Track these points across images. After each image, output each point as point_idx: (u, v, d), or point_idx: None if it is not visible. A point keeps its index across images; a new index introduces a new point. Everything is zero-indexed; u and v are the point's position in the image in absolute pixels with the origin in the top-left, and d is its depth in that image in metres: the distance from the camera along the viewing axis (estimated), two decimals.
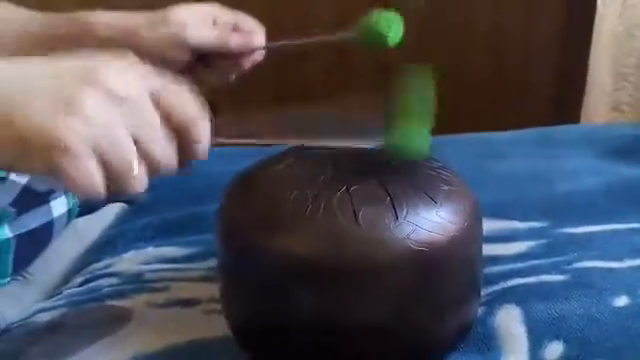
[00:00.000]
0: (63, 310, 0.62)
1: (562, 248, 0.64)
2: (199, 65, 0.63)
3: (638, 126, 0.91)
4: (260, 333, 0.50)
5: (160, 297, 0.61)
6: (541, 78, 1.64)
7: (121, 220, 0.83)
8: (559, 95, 1.65)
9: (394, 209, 0.46)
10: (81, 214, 0.85)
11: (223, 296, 0.53)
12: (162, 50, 0.59)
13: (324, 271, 0.45)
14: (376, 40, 0.55)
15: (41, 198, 0.76)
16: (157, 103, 0.39)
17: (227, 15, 0.63)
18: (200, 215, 0.75)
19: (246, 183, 0.52)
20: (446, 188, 0.49)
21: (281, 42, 0.62)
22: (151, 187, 0.91)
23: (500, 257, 0.64)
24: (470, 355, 0.50)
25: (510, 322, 0.54)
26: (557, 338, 0.50)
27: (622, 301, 0.54)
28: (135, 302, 0.61)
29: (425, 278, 0.46)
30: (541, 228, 0.68)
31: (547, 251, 0.64)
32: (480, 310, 0.56)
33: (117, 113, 0.37)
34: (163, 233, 0.75)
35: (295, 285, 0.46)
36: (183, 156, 0.41)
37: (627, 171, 0.78)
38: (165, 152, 0.39)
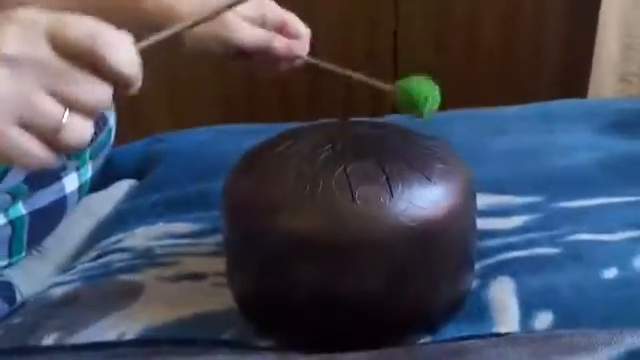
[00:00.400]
0: (77, 284, 0.64)
1: (557, 222, 0.66)
2: (242, 55, 0.62)
3: (636, 101, 0.92)
4: (264, 306, 0.52)
5: (169, 271, 0.64)
6: (550, 49, 1.64)
7: (132, 196, 0.86)
8: (567, 66, 1.65)
9: (389, 187, 0.48)
10: (92, 190, 0.88)
11: (229, 270, 0.56)
12: (206, 44, 0.59)
13: (323, 247, 0.47)
14: (410, 109, 0.55)
15: (53, 175, 0.79)
16: (56, 47, 0.36)
17: (276, 14, 0.62)
18: (207, 192, 0.78)
19: (249, 163, 0.54)
20: (441, 166, 0.51)
21: (321, 62, 0.61)
22: (160, 164, 0.94)
23: (496, 231, 0.66)
24: (463, 325, 0.53)
25: (503, 294, 0.56)
26: (547, 308, 0.53)
27: (611, 273, 0.56)
28: (146, 276, 0.63)
29: (419, 252, 0.48)
30: (537, 203, 0.70)
31: (542, 225, 0.66)
32: (475, 282, 0.58)
33: (23, 77, 0.36)
34: (172, 209, 0.77)
35: (296, 260, 0.48)
36: (115, 84, 0.38)
37: (624, 145, 0.79)
38: (91, 90, 0.37)
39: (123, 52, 0.37)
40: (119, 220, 0.79)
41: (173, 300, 0.59)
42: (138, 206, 0.80)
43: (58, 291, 0.64)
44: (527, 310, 0.53)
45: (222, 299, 0.57)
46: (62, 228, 0.82)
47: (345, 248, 0.47)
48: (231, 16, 0.58)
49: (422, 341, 0.51)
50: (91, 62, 0.37)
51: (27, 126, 0.36)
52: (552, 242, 0.63)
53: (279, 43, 0.61)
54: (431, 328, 0.53)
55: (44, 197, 0.78)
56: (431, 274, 0.50)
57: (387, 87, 0.55)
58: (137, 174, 0.93)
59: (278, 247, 0.49)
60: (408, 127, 0.90)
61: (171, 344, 0.51)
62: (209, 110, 1.63)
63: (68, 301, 0.61)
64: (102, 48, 0.36)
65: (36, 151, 0.37)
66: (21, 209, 0.75)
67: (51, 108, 0.36)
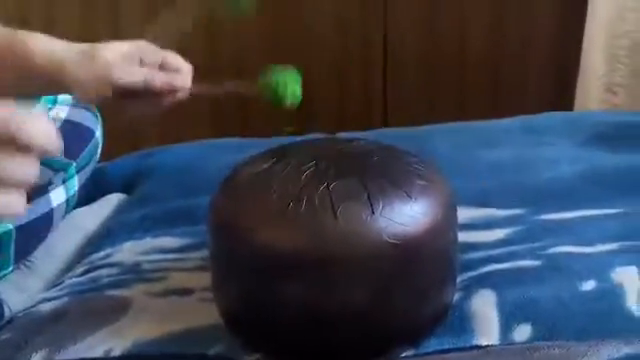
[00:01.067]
0: (65, 299, 0.65)
1: (538, 234, 0.67)
2: (127, 97, 0.63)
3: (618, 114, 0.94)
4: (249, 321, 0.53)
5: (157, 286, 0.65)
6: (537, 58, 1.66)
7: (120, 211, 0.86)
8: (554, 76, 1.67)
9: (371, 205, 0.49)
10: (81, 203, 0.89)
11: (214, 286, 0.57)
12: (88, 87, 0.61)
13: (306, 263, 0.48)
14: (274, 101, 0.58)
15: (40, 189, 0.80)
16: None
17: (154, 54, 0.64)
18: (195, 207, 0.79)
19: (234, 181, 0.55)
20: (422, 183, 0.53)
21: (200, 88, 0.65)
22: (149, 179, 0.95)
23: (479, 244, 0.67)
24: (445, 338, 0.54)
25: (484, 306, 0.57)
26: (526, 321, 0.54)
27: (589, 285, 0.57)
28: (134, 292, 0.64)
29: (400, 267, 0.49)
30: (519, 215, 0.71)
31: (524, 237, 0.67)
32: (457, 295, 0.59)
33: None
34: (160, 224, 0.78)
35: (279, 277, 0.50)
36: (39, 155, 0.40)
37: (605, 158, 0.81)
38: (18, 166, 0.39)
39: (36, 126, 0.39)
40: (107, 235, 0.79)
41: (161, 315, 0.60)
42: (126, 221, 0.81)
43: (47, 307, 0.65)
44: (507, 322, 0.54)
45: (209, 314, 0.58)
46: (50, 242, 0.82)
47: (327, 265, 0.48)
48: (109, 56, 0.61)
49: (405, 354, 0.52)
50: (9, 142, 0.38)
51: None
52: (533, 254, 0.64)
53: (159, 78, 0.63)
54: (414, 341, 0.54)
55: (31, 211, 0.78)
56: (413, 288, 0.51)
57: (254, 87, 0.58)
58: (126, 188, 0.94)
59: (261, 264, 0.50)
60: (393, 143, 0.92)
61: None
62: (200, 123, 1.64)
63: (56, 317, 0.62)
64: (15, 128, 0.38)
65: None
66: (7, 224, 0.75)
67: None
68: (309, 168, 0.52)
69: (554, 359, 0.47)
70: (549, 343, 0.50)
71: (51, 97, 0.85)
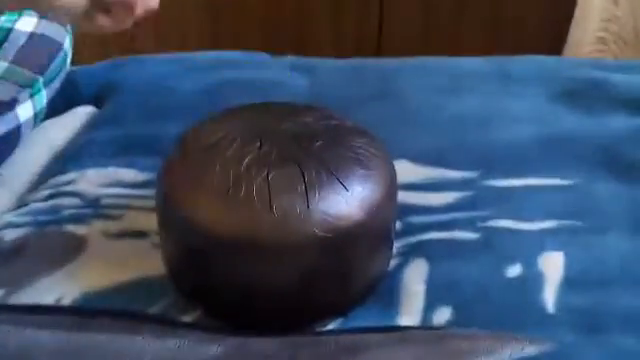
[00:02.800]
0: (27, 230, 0.68)
1: (483, 202, 0.70)
2: (96, 10, 0.63)
3: (600, 65, 0.92)
4: (187, 281, 0.57)
5: (114, 226, 0.68)
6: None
7: (87, 128, 0.87)
8: (555, 16, 1.61)
9: (306, 197, 0.51)
10: (50, 112, 0.90)
11: (160, 239, 0.60)
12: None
13: (240, 249, 0.51)
14: None
15: (6, 106, 0.81)
16: None
17: None
18: (160, 136, 0.80)
19: (183, 152, 0.57)
20: (362, 172, 0.54)
21: None
22: (118, 95, 0.95)
23: (425, 207, 0.69)
24: (371, 311, 0.58)
25: (414, 279, 0.61)
26: (447, 304, 0.58)
27: (515, 271, 0.61)
28: (91, 229, 0.67)
29: (332, 257, 0.53)
30: (470, 179, 0.73)
31: (469, 204, 0.70)
32: (393, 261, 0.63)
33: None
34: (125, 150, 0.80)
35: (214, 255, 0.53)
36: None
37: (570, 120, 0.81)
38: None
39: None
40: (73, 155, 0.81)
41: (113, 261, 0.63)
42: (92, 141, 0.82)
43: (10, 235, 0.68)
44: (431, 302, 0.58)
45: (159, 263, 0.62)
46: (19, 155, 0.84)
47: (260, 252, 0.51)
48: None
49: (330, 327, 0.57)
50: None
51: None
52: (473, 226, 0.67)
53: None
54: (343, 313, 0.58)
55: None
56: (343, 272, 0.54)
57: None
58: (95, 100, 0.94)
59: (198, 242, 0.53)
60: (363, 79, 0.91)
61: (102, 316, 0.56)
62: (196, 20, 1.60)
63: (17, 250, 0.66)
64: None
65: None
66: None
67: None
68: (252, 151, 0.54)
69: (461, 351, 0.52)
70: (461, 333, 0.54)
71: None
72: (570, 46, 1.50)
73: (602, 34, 1.56)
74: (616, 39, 1.56)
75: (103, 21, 0.64)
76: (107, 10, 0.63)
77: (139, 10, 0.64)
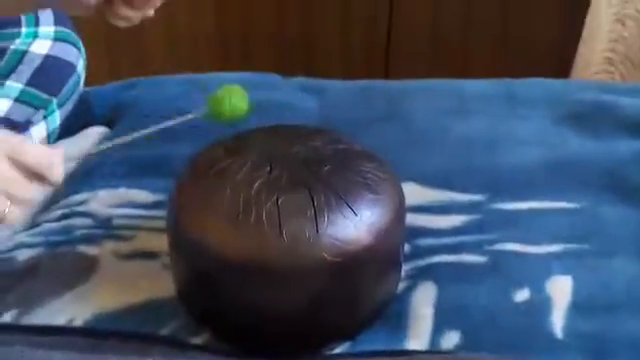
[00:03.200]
0: (40, 250, 0.69)
1: (491, 226, 0.70)
2: (118, 1, 0.66)
3: (604, 87, 0.93)
4: (197, 303, 0.58)
5: (125, 247, 0.69)
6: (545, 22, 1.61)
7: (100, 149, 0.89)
8: (562, 39, 1.62)
9: (316, 222, 0.52)
10: (63, 132, 0.91)
11: (170, 260, 0.61)
12: None
13: (249, 272, 0.52)
14: (221, 119, 0.60)
15: (21, 127, 0.82)
16: (14, 163, 0.50)
17: None
18: (170, 157, 0.81)
19: (194, 175, 0.58)
20: (370, 197, 0.55)
21: None
22: (129, 115, 0.96)
23: (433, 230, 0.70)
24: (379, 334, 0.58)
25: (422, 302, 0.61)
26: (456, 328, 0.58)
27: (523, 295, 0.61)
28: (102, 250, 0.68)
29: (339, 281, 0.53)
30: (478, 202, 0.73)
31: (477, 227, 0.70)
32: (402, 284, 0.63)
33: None
34: (136, 171, 0.81)
35: (224, 278, 0.53)
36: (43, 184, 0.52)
37: (576, 143, 0.82)
38: (27, 190, 0.51)
39: (58, 170, 0.52)
40: (85, 176, 0.82)
41: (124, 282, 0.64)
42: (104, 162, 0.84)
43: (23, 255, 0.69)
44: (439, 326, 0.59)
45: (169, 284, 0.62)
46: None
47: (269, 276, 0.52)
48: None
49: (338, 351, 0.57)
50: (22, 169, 0.51)
51: None
52: (481, 249, 0.67)
53: None
54: (351, 336, 0.58)
55: None
56: (352, 296, 0.55)
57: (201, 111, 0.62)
58: (107, 120, 0.95)
59: (207, 265, 0.54)
60: (371, 99, 0.92)
61: (113, 337, 0.57)
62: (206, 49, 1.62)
63: (30, 270, 0.67)
64: (47, 170, 0.52)
65: None
66: None
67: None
68: (262, 176, 0.54)
69: None
70: (469, 357, 0.54)
71: (32, 31, 0.85)
72: (578, 66, 1.50)
73: (609, 54, 1.57)
74: (623, 59, 1.57)
75: (124, 11, 0.67)
76: (128, 1, 0.66)
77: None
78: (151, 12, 0.68)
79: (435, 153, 0.80)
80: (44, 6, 0.71)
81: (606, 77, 1.56)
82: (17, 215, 0.51)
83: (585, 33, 1.54)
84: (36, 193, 0.52)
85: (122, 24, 0.68)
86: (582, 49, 1.52)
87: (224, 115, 0.59)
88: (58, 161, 0.52)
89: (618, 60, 1.58)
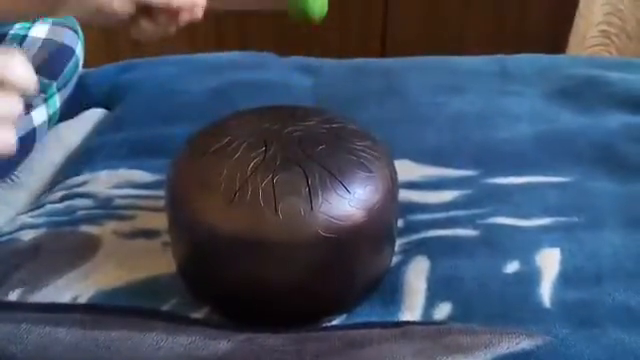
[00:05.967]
0: (43, 230, 0.71)
1: (483, 200, 0.72)
2: (141, 16, 0.65)
3: (595, 62, 0.94)
4: (196, 278, 0.60)
5: (126, 226, 0.71)
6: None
7: (99, 131, 0.90)
8: (556, 17, 1.62)
9: (310, 200, 0.53)
10: (63, 115, 0.93)
11: (171, 239, 0.62)
12: (108, 2, 0.62)
13: (246, 249, 0.54)
14: (301, 18, 0.61)
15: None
16: None
17: None
18: (168, 137, 0.82)
19: (191, 155, 0.59)
20: (364, 175, 0.56)
21: (221, 6, 0.66)
22: (127, 97, 0.98)
23: (426, 205, 0.72)
24: (374, 307, 0.60)
25: (416, 276, 0.63)
26: (448, 299, 0.60)
27: (513, 267, 0.63)
28: (104, 229, 0.70)
29: (333, 255, 0.55)
30: (470, 177, 0.75)
31: (469, 202, 0.72)
32: (396, 258, 0.65)
33: None
34: (135, 153, 0.83)
35: (221, 255, 0.55)
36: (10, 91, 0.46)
37: (568, 118, 0.83)
38: (8, 105, 0.45)
39: (18, 68, 0.45)
40: (86, 157, 0.84)
41: (126, 260, 0.66)
42: (104, 144, 0.85)
43: (26, 236, 0.71)
44: (432, 298, 0.61)
45: (169, 261, 0.64)
46: (34, 157, 0.87)
47: (266, 252, 0.53)
48: None
49: (335, 323, 0.59)
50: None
51: None
52: (473, 223, 0.69)
53: None
54: (346, 310, 0.60)
55: None
56: (347, 269, 0.57)
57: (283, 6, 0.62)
58: (106, 102, 0.97)
59: (207, 241, 0.55)
60: (367, 76, 0.93)
61: (116, 313, 0.59)
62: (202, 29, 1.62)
63: (34, 250, 0.68)
64: (4, 71, 0.45)
65: None
66: None
67: None
68: (258, 155, 0.56)
69: (460, 346, 0.54)
70: (460, 327, 0.56)
71: None
72: (574, 40, 1.51)
73: (605, 27, 1.58)
74: (619, 32, 1.57)
75: (147, 26, 0.66)
76: (151, 16, 0.65)
77: (184, 18, 0.66)
78: (172, 29, 0.68)
79: (428, 129, 0.82)
80: (68, 14, 0.69)
81: (602, 50, 1.57)
82: (6, 136, 0.46)
83: (581, 6, 1.54)
84: (14, 102, 0.46)
85: (143, 39, 0.68)
86: (578, 22, 1.53)
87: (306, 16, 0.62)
88: (15, 58, 0.46)
89: (614, 33, 1.58)
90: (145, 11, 0.65)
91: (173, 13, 0.65)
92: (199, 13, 0.67)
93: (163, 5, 0.64)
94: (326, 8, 0.62)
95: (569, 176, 0.75)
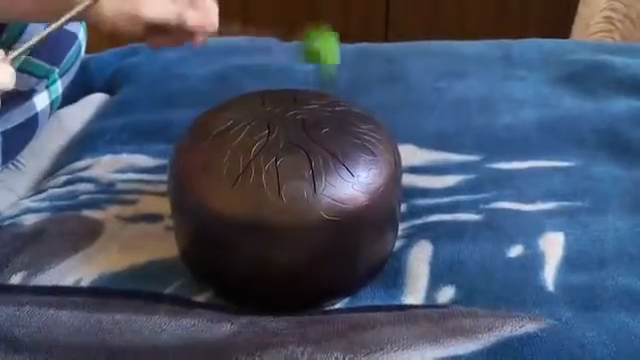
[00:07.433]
0: (46, 215, 0.71)
1: (486, 185, 0.72)
2: (155, 34, 0.63)
3: (599, 47, 0.93)
4: (199, 263, 0.60)
5: (128, 210, 0.71)
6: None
7: (101, 116, 0.90)
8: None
9: (314, 183, 0.53)
10: (65, 100, 0.92)
11: (173, 221, 0.62)
12: (118, 22, 0.60)
13: (249, 232, 0.54)
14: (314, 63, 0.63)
15: (24, 96, 0.83)
16: None
17: None
18: (170, 122, 0.82)
19: (194, 138, 0.59)
20: (367, 158, 0.56)
21: (232, 28, 0.66)
22: (129, 82, 0.97)
23: (430, 190, 0.72)
24: (377, 291, 0.60)
25: (419, 260, 0.63)
26: (451, 283, 0.60)
27: (516, 251, 0.63)
28: (107, 214, 0.70)
29: (337, 239, 0.55)
30: (473, 162, 0.75)
31: (472, 187, 0.72)
32: (399, 242, 0.65)
33: None
34: (137, 137, 0.82)
35: (225, 238, 0.55)
36: None
37: (572, 103, 0.83)
38: None
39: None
40: (88, 142, 0.84)
41: (128, 244, 0.66)
42: (106, 129, 0.85)
43: (29, 220, 0.71)
44: (435, 282, 0.60)
45: (172, 244, 0.64)
46: (37, 143, 0.87)
47: (269, 235, 0.53)
48: None
49: (338, 306, 0.59)
50: None
51: None
52: (476, 207, 0.69)
53: (192, 17, 0.61)
54: (349, 293, 0.60)
55: (15, 116, 0.82)
56: (350, 253, 0.57)
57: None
58: (109, 87, 0.96)
59: (211, 225, 0.55)
60: (369, 61, 0.93)
61: (119, 296, 0.59)
62: None
63: (36, 234, 0.68)
64: None
65: None
66: None
67: None
68: (261, 138, 0.56)
69: (463, 329, 0.54)
70: (463, 311, 0.56)
71: None
72: (578, 27, 1.50)
73: (609, 13, 1.57)
74: (623, 19, 1.56)
75: (161, 41, 0.64)
76: (166, 32, 0.63)
77: (199, 38, 0.64)
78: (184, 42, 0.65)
79: (432, 114, 0.81)
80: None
81: (606, 37, 1.56)
82: None
83: None
84: None
85: (157, 49, 0.66)
86: (582, 9, 1.52)
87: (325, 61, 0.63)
88: None
89: (618, 19, 1.57)
90: (155, 31, 0.62)
91: (183, 33, 0.63)
92: (209, 35, 0.64)
93: (171, 25, 0.61)
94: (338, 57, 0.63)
95: (573, 161, 0.74)
